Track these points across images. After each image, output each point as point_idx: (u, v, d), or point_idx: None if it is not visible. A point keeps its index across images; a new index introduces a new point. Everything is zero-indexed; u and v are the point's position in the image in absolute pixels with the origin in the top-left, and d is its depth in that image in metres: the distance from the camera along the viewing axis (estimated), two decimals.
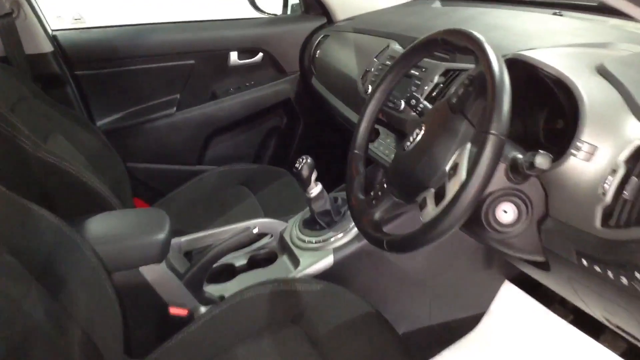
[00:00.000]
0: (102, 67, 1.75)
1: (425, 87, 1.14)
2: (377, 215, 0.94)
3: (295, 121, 2.07)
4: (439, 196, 0.80)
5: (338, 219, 1.34)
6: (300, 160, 1.27)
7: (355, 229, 1.30)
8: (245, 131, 2.03)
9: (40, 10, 1.64)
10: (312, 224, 1.37)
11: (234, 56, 1.90)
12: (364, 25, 1.68)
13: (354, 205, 0.99)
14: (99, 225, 1.12)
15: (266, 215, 1.58)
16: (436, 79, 1.14)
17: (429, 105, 1.02)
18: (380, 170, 1.50)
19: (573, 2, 1.34)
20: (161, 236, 1.11)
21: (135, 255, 1.10)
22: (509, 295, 1.46)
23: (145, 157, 1.89)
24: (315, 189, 1.29)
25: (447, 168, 0.80)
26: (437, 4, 1.73)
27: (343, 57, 1.64)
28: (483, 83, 0.76)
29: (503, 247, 0.93)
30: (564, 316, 1.37)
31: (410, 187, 0.88)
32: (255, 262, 1.41)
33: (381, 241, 0.87)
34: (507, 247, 0.94)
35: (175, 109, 1.87)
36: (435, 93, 1.12)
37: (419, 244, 0.79)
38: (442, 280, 1.41)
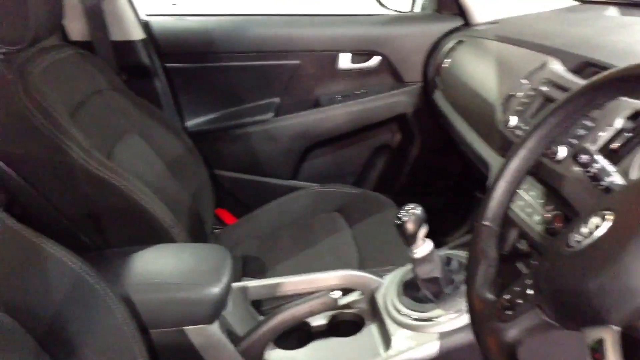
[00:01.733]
0: (196, 61, 1.56)
1: (600, 134, 0.77)
2: (512, 333, 0.60)
3: (409, 141, 1.75)
4: (634, 346, 0.46)
5: (449, 291, 1.01)
6: (406, 208, 0.96)
7: None
8: (348, 147, 1.75)
9: None
10: (414, 291, 1.05)
11: (344, 58, 1.62)
12: (512, 32, 1.31)
13: (476, 309, 0.66)
14: (141, 265, 0.90)
15: (360, 257, 1.30)
16: (618, 123, 0.76)
17: (612, 169, 0.66)
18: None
19: None
20: (216, 291, 0.87)
21: (179, 313, 0.87)
22: None
23: (234, 165, 1.68)
24: (422, 249, 0.97)
25: None
26: (613, 12, 1.31)
27: (479, 72, 1.28)
28: None
29: None
30: None
31: (571, 308, 0.54)
32: (336, 325, 1.12)
33: None
34: None
35: (272, 114, 1.63)
36: (617, 145, 0.75)
37: None
38: None
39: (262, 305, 1.17)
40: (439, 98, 1.53)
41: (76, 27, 1.40)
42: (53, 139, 0.95)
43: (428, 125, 1.68)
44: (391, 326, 1.02)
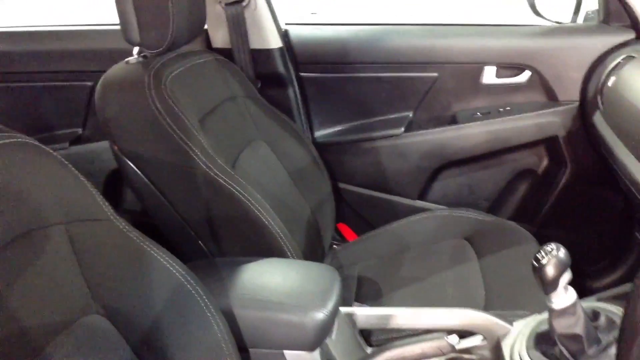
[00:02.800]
0: (330, 71, 1.53)
1: None
2: None
3: (558, 167, 1.53)
4: None
5: (593, 353, 0.83)
6: (547, 249, 0.81)
7: None
8: (485, 169, 1.58)
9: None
10: (549, 346, 0.88)
11: (489, 72, 1.47)
12: None
13: None
14: (247, 278, 0.87)
15: (486, 295, 1.16)
16: None
17: None
18: None
19: None
20: (320, 316, 0.80)
21: (280, 335, 0.82)
22: None
23: (359, 180, 1.62)
24: (563, 299, 0.81)
25: None
26: None
27: None
28: None
29: None
30: None
31: None
32: None
33: None
34: None
35: (403, 129, 1.54)
36: None
37: None
38: None
39: (372, 335, 1.09)
40: (599, 121, 1.32)
41: (219, 34, 1.45)
42: (180, 144, 0.96)
43: (583, 151, 1.46)
44: None
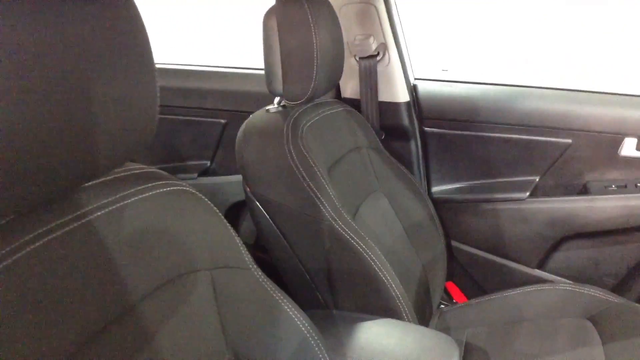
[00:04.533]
0: (455, 128, 1.52)
1: None
2: None
3: None
4: None
5: None
6: None
7: None
8: (615, 245, 1.47)
9: (408, 56, 1.50)
10: None
11: (629, 144, 1.38)
12: None
13: None
14: (365, 339, 0.87)
15: None
16: None
17: None
18: None
19: None
20: None
21: None
22: None
23: (474, 241, 1.56)
24: None
25: None
26: None
27: None
28: None
29: None
30: None
31: None
32: None
33: None
34: None
35: (527, 194, 1.48)
36: None
37: None
38: None
39: None
40: None
41: (350, 85, 1.50)
42: (310, 195, 1.00)
43: None
44: None
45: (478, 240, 1.56)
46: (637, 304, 1.30)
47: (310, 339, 0.73)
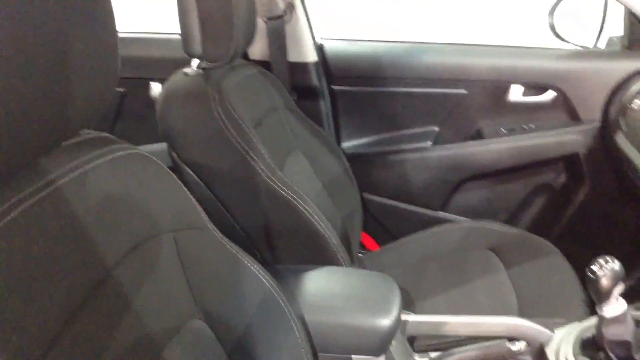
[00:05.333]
0: (361, 85, 1.58)
1: None
2: None
3: (577, 183, 1.60)
4: None
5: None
6: (603, 261, 0.86)
7: None
8: (505, 183, 1.65)
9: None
10: (594, 353, 0.94)
11: (515, 91, 1.53)
12: None
13: None
14: (316, 287, 0.90)
15: (519, 304, 1.20)
16: None
17: None
18: None
19: None
20: (387, 322, 0.84)
21: (350, 341, 0.85)
22: None
23: (383, 191, 1.66)
24: (615, 308, 0.86)
25: None
26: None
27: None
28: None
29: None
30: None
31: None
32: None
33: None
34: None
35: (430, 143, 1.59)
36: None
37: None
38: None
39: (415, 342, 1.13)
40: (622, 141, 1.38)
41: (258, 47, 1.48)
42: (242, 153, 0.99)
43: (602, 169, 1.53)
44: None
45: (387, 190, 1.65)
46: (529, 233, 1.47)
47: (273, 291, 0.75)
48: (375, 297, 0.89)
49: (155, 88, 1.49)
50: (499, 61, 1.53)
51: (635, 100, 1.35)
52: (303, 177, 1.29)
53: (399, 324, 0.86)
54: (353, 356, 0.85)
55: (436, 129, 1.61)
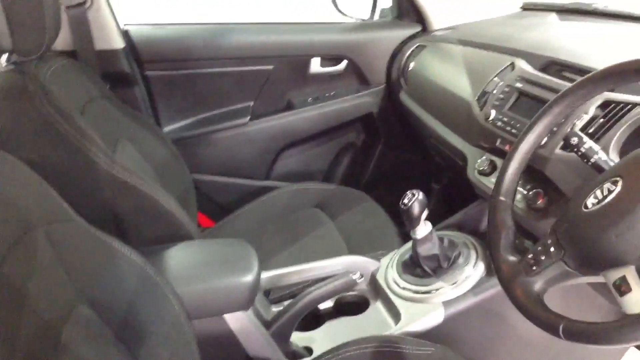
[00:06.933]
0: (174, 68, 1.60)
1: (577, 122, 0.93)
2: (538, 286, 0.74)
3: (374, 139, 1.88)
4: None
5: (446, 266, 1.14)
6: (410, 195, 1.08)
7: (471, 280, 1.10)
8: (317, 146, 1.85)
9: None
10: (413, 269, 1.17)
11: (315, 63, 1.72)
12: (472, 37, 1.48)
13: (503, 270, 0.79)
14: (179, 261, 0.96)
15: (348, 246, 1.40)
16: (592, 111, 0.92)
17: (597, 148, 0.81)
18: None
19: None
20: (249, 278, 0.94)
21: (221, 301, 0.93)
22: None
23: (211, 169, 1.72)
24: (424, 230, 1.10)
25: None
26: (554, 18, 1.50)
27: (447, 73, 1.43)
28: None
29: None
30: None
31: (593, 257, 0.68)
32: (342, 307, 1.22)
33: (555, 326, 0.67)
34: None
35: (248, 118, 1.70)
36: (592, 130, 0.90)
37: (623, 339, 0.60)
38: (562, 345, 1.19)
39: (270, 295, 1.25)
40: (404, 98, 1.67)
41: (61, 37, 1.40)
42: (76, 144, 0.96)
43: (393, 123, 1.82)
44: (397, 301, 1.13)
45: (214, 168, 1.72)
46: (346, 187, 1.69)
47: (148, 269, 0.79)
48: (235, 258, 0.97)
49: None
50: (298, 37, 1.69)
51: (411, 62, 1.64)
52: (134, 165, 1.29)
53: (260, 277, 0.97)
54: (225, 315, 0.94)
55: (251, 104, 1.72)
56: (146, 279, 0.79)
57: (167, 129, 1.65)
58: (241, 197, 1.73)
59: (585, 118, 0.92)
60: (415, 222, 1.08)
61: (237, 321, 0.95)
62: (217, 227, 1.62)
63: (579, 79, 0.79)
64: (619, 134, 0.83)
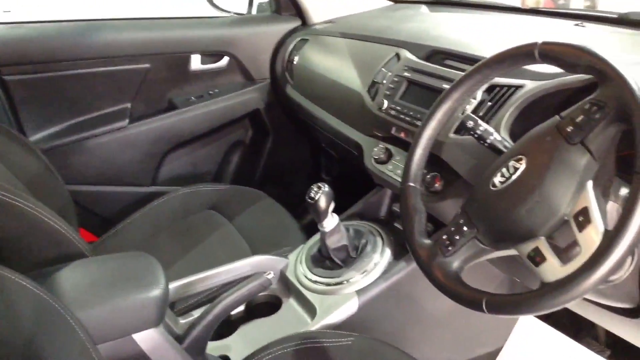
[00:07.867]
0: (37, 71, 1.43)
1: (467, 106, 0.99)
2: (456, 265, 0.77)
3: (263, 135, 1.85)
4: (562, 248, 0.66)
5: (355, 255, 1.16)
6: (316, 188, 1.07)
7: (380, 267, 1.13)
8: (205, 146, 1.78)
9: None
10: (322, 262, 1.17)
11: (195, 60, 1.64)
12: (352, 29, 1.51)
13: (420, 254, 0.81)
14: (76, 282, 0.85)
15: (251, 246, 1.36)
16: (479, 95, 0.99)
17: (492, 130, 0.87)
18: (388, 194, 1.34)
19: (594, 13, 1.27)
20: (157, 292, 0.87)
21: (128, 320, 0.85)
22: (527, 326, 1.36)
23: (90, 179, 1.58)
24: (332, 222, 1.10)
25: (571, 213, 0.66)
26: (425, 10, 1.59)
27: (334, 66, 1.45)
28: (618, 112, 0.64)
29: (596, 295, 0.82)
30: (599, 350, 1.29)
31: (505, 232, 0.72)
32: (254, 310, 1.19)
33: (478, 301, 0.71)
34: (600, 296, 0.83)
35: (127, 121, 1.58)
36: (482, 113, 0.97)
37: (544, 306, 0.64)
38: (463, 318, 1.27)
39: (175, 307, 1.18)
40: (292, 92, 1.66)
41: None
42: None
43: (281, 118, 1.80)
44: (311, 296, 1.13)
45: (92, 177, 1.58)
46: (239, 186, 1.64)
47: (46, 297, 0.70)
48: (138, 272, 0.89)
49: None
50: (175, 33, 1.60)
51: (295, 56, 1.63)
52: (2, 180, 1.14)
53: (168, 290, 0.90)
54: (133, 335, 0.86)
55: (128, 105, 1.60)
56: (44, 307, 0.70)
57: (33, 138, 1.47)
58: (126, 206, 1.61)
59: (474, 103, 0.98)
60: (323, 215, 1.08)
61: (147, 340, 0.88)
62: (102, 241, 1.49)
63: (475, 65, 0.84)
64: (507, 115, 0.89)
